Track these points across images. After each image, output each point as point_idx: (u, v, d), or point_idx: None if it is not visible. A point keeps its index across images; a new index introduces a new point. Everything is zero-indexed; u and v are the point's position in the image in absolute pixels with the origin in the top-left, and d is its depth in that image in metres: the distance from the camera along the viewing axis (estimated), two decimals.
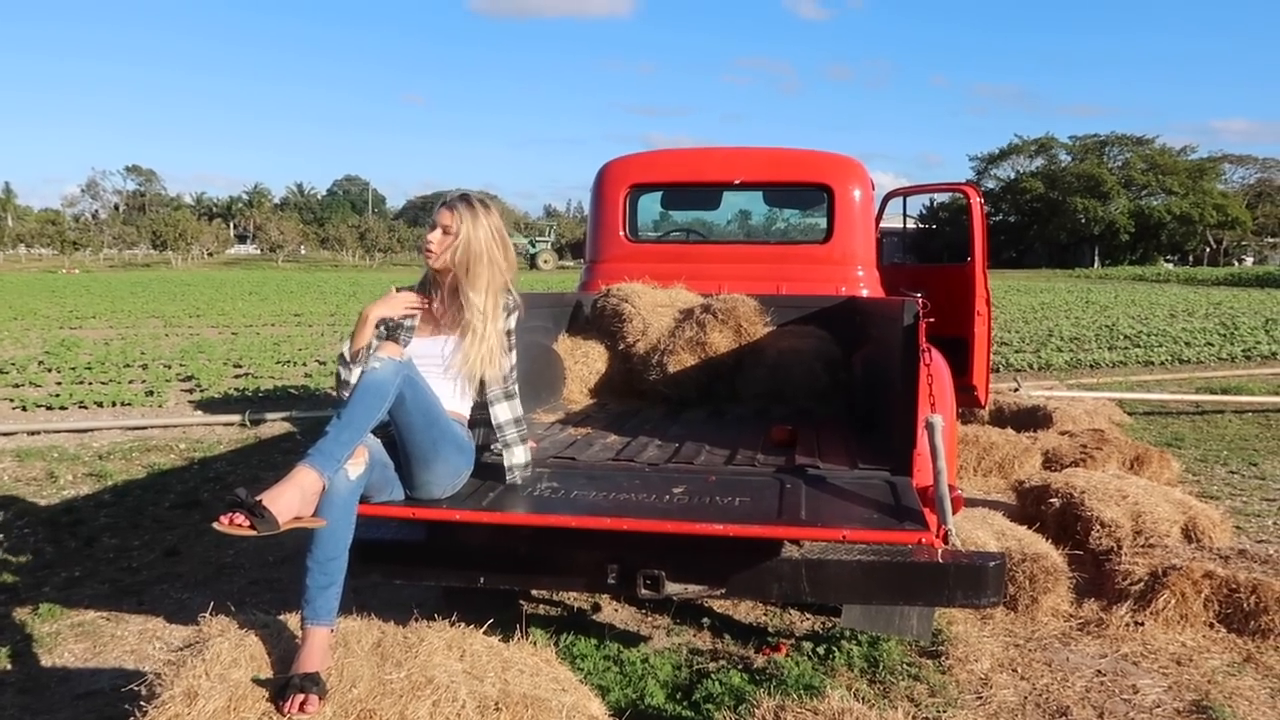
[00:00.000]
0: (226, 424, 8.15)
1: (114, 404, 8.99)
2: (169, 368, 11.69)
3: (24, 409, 8.73)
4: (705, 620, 3.88)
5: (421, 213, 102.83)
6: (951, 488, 2.84)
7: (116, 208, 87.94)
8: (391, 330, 2.93)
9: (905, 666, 3.43)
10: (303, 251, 73.85)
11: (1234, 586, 3.78)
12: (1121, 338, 16.31)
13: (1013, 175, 73.59)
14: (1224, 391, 10.72)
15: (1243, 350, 14.54)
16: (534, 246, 64.29)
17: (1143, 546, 4.33)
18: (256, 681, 2.13)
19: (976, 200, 5.68)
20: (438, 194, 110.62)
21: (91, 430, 7.78)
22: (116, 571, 4.52)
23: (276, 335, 16.05)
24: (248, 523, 2.10)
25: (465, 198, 2.90)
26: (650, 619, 3.94)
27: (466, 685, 2.18)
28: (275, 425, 8.08)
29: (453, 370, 2.85)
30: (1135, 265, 62.20)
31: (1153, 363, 13.29)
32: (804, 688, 3.13)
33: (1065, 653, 3.61)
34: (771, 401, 4.39)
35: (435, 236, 2.82)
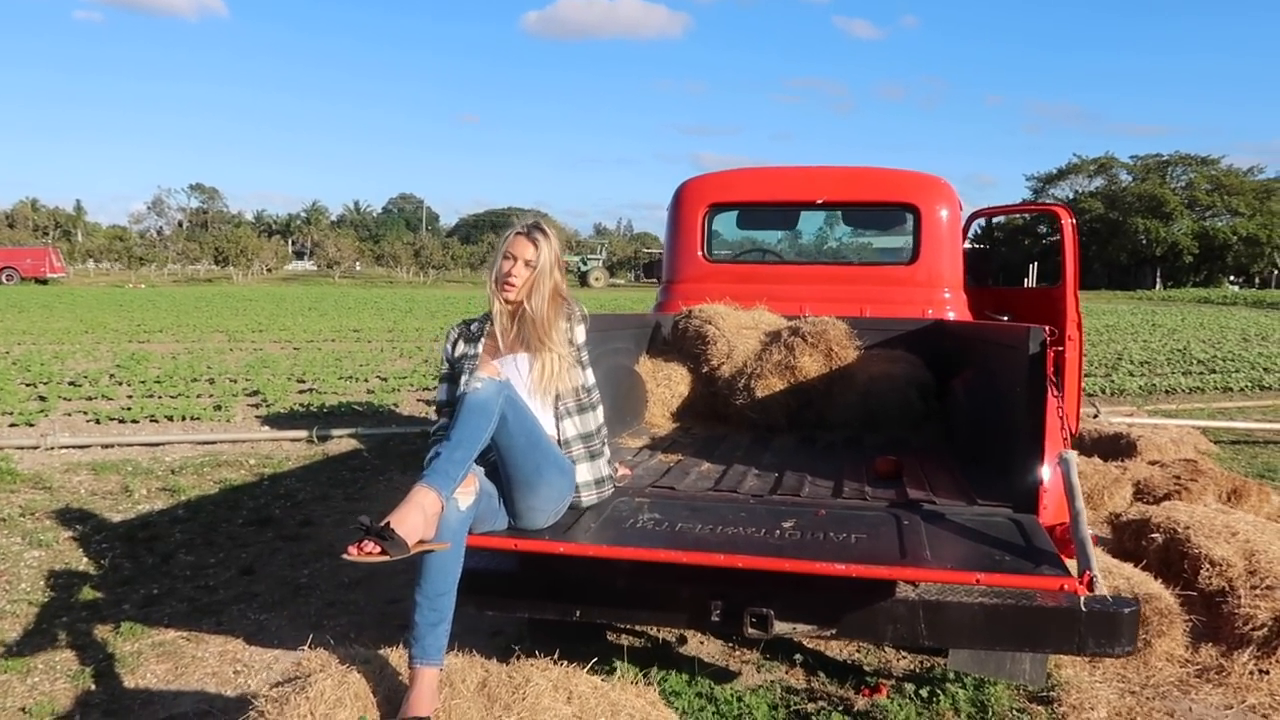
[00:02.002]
0: (294, 440, 8.18)
1: (183, 418, 9.09)
2: (234, 382, 11.82)
3: (97, 421, 8.85)
4: (797, 656, 3.71)
5: (474, 230, 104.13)
6: None
7: (180, 224, 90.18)
8: (455, 364, 2.92)
9: (1015, 713, 3.24)
10: (358, 268, 75.01)
11: None
12: (1195, 362, 15.77)
13: (1071, 195, 72.16)
14: None
15: None
16: (585, 264, 64.55)
17: (1259, 588, 4.08)
18: None
19: (1068, 221, 5.47)
20: (490, 211, 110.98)
21: (163, 444, 7.85)
22: (194, 590, 4.50)
23: (338, 351, 16.20)
24: (378, 549, 2.03)
25: (540, 228, 2.88)
26: (739, 653, 3.79)
27: None
28: (342, 442, 8.09)
29: (534, 388, 2.78)
30: (1199, 287, 60.56)
31: (1231, 389, 12.81)
32: None
33: (1186, 703, 3.39)
34: (863, 429, 4.23)
35: (519, 271, 2.79)
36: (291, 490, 6.43)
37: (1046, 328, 2.67)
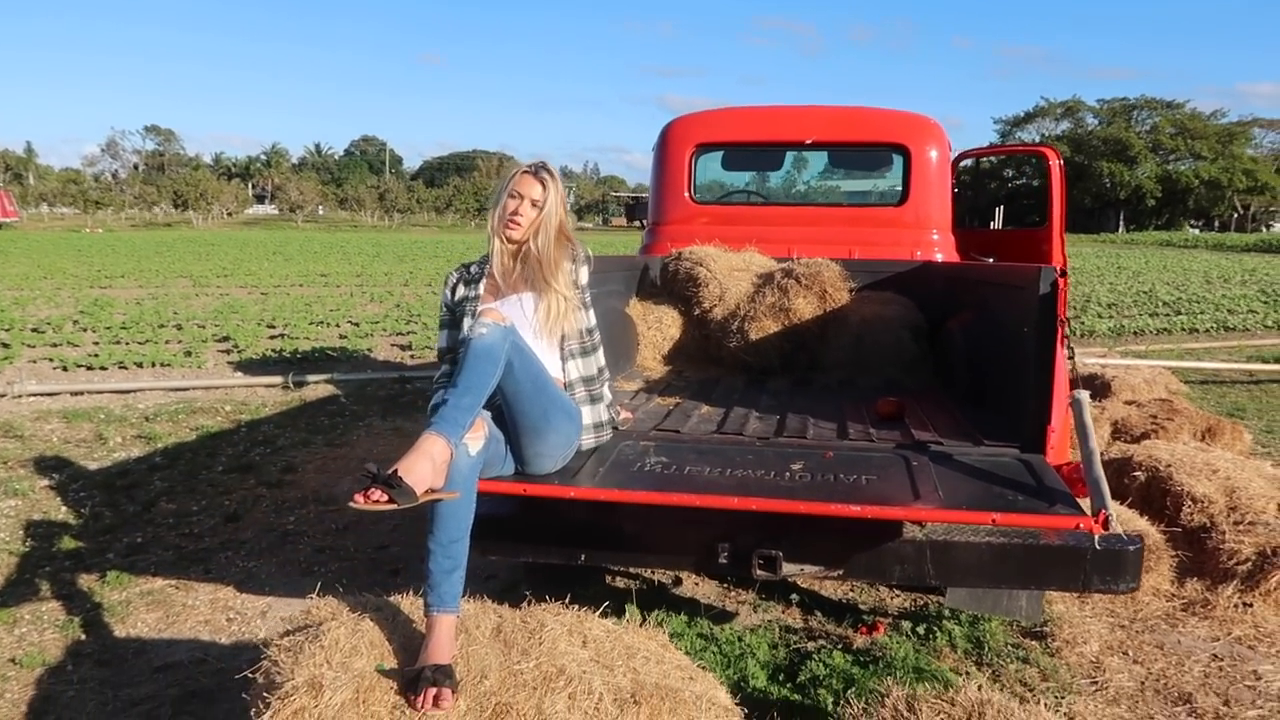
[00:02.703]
0: (268, 385, 8.04)
1: (153, 364, 8.91)
2: (203, 328, 11.59)
3: (64, 369, 8.65)
4: (793, 596, 3.74)
5: (438, 173, 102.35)
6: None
7: (136, 167, 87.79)
8: (455, 308, 2.84)
9: (1011, 648, 3.28)
10: (321, 212, 73.64)
11: None
12: (1161, 304, 16.00)
13: (1038, 138, 72.30)
14: (1278, 361, 10.48)
15: None
16: None
17: (1241, 524, 4.16)
18: (381, 672, 2.00)
19: (1056, 163, 5.44)
20: (454, 154, 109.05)
21: (135, 391, 7.69)
22: (179, 538, 4.43)
23: (306, 296, 15.93)
24: (385, 497, 1.96)
25: (546, 167, 2.80)
26: (734, 594, 3.81)
27: (599, 676, 2.05)
28: (318, 388, 7.97)
29: (539, 329, 2.72)
30: (1161, 230, 61.29)
31: (1198, 330, 13.02)
32: (914, 671, 2.99)
33: (1175, 635, 3.46)
34: (856, 371, 4.22)
35: (525, 210, 2.72)
36: (270, 436, 6.33)
37: (1058, 267, 2.64)
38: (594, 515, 2.77)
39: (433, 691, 1.88)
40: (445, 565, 2.11)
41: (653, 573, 3.99)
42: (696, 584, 3.91)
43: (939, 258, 5.12)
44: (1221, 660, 3.27)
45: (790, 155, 5.95)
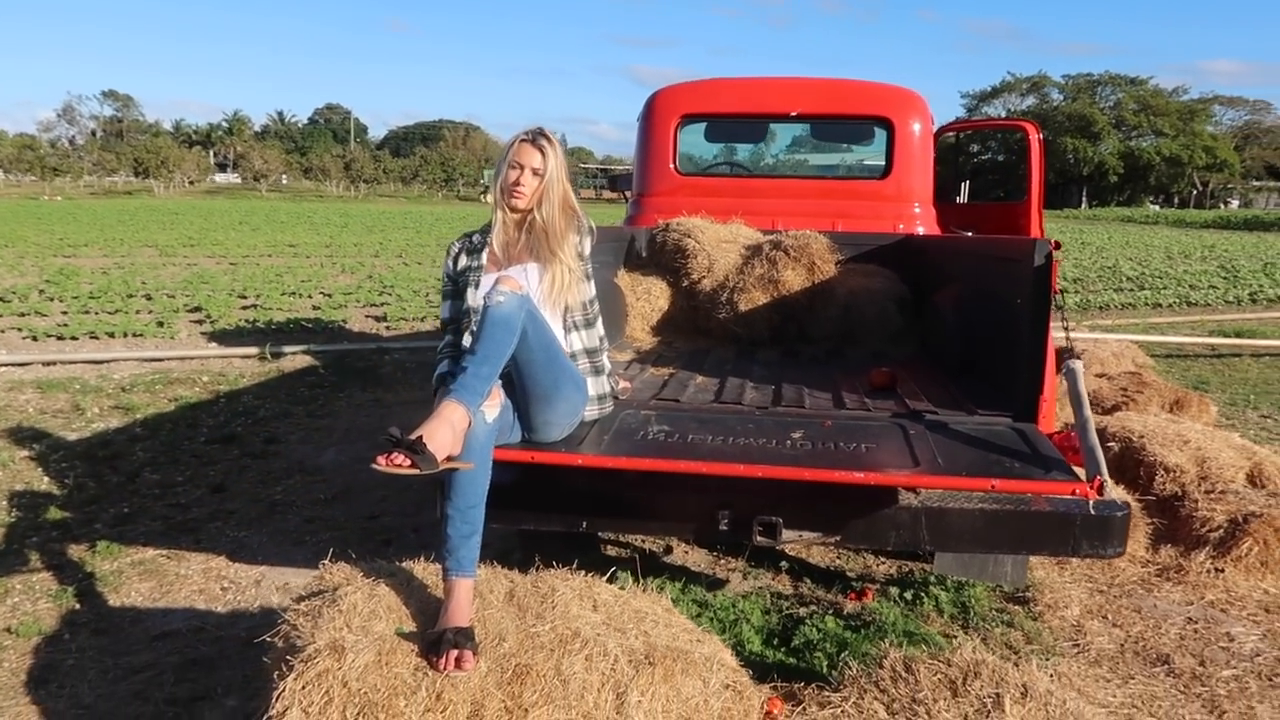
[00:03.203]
0: (244, 356, 7.98)
1: (125, 335, 8.79)
2: (173, 298, 11.43)
3: (35, 339, 8.51)
4: (782, 564, 3.81)
5: (403, 143, 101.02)
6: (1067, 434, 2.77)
7: (94, 134, 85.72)
8: (458, 278, 2.84)
9: (996, 613, 3.38)
10: (284, 181, 72.47)
11: None
12: (1126, 279, 16.27)
13: (1004, 113, 72.78)
14: (1238, 335, 10.74)
15: (1248, 294, 14.56)
16: None
17: (1212, 493, 4.29)
18: (401, 635, 2.03)
19: (1036, 137, 5.52)
20: (420, 124, 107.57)
21: (109, 361, 7.59)
22: (166, 508, 4.41)
23: (277, 266, 15.73)
24: (408, 461, 1.99)
25: (544, 134, 2.77)
26: (724, 562, 3.87)
27: (612, 638, 2.10)
28: (296, 359, 7.92)
29: (543, 299, 2.73)
30: (1123, 207, 62.13)
31: (1160, 305, 13.28)
32: (904, 634, 3.08)
33: (1151, 600, 3.58)
34: (843, 342, 4.28)
35: (527, 179, 2.71)
36: (251, 407, 6.30)
37: (1053, 240, 2.71)
38: (596, 483, 2.81)
39: (455, 653, 1.92)
40: (464, 530, 2.14)
41: (643, 542, 4.05)
42: (686, 553, 3.97)
43: (921, 231, 5.19)
44: (1196, 623, 3.39)
45: (775, 127, 5.97)
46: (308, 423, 5.95)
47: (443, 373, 2.63)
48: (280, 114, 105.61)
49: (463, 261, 2.84)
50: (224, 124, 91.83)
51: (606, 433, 2.72)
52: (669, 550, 3.99)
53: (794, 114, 5.40)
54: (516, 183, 2.69)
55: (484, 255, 2.80)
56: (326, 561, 2.36)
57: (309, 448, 5.41)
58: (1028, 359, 2.77)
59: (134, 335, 8.81)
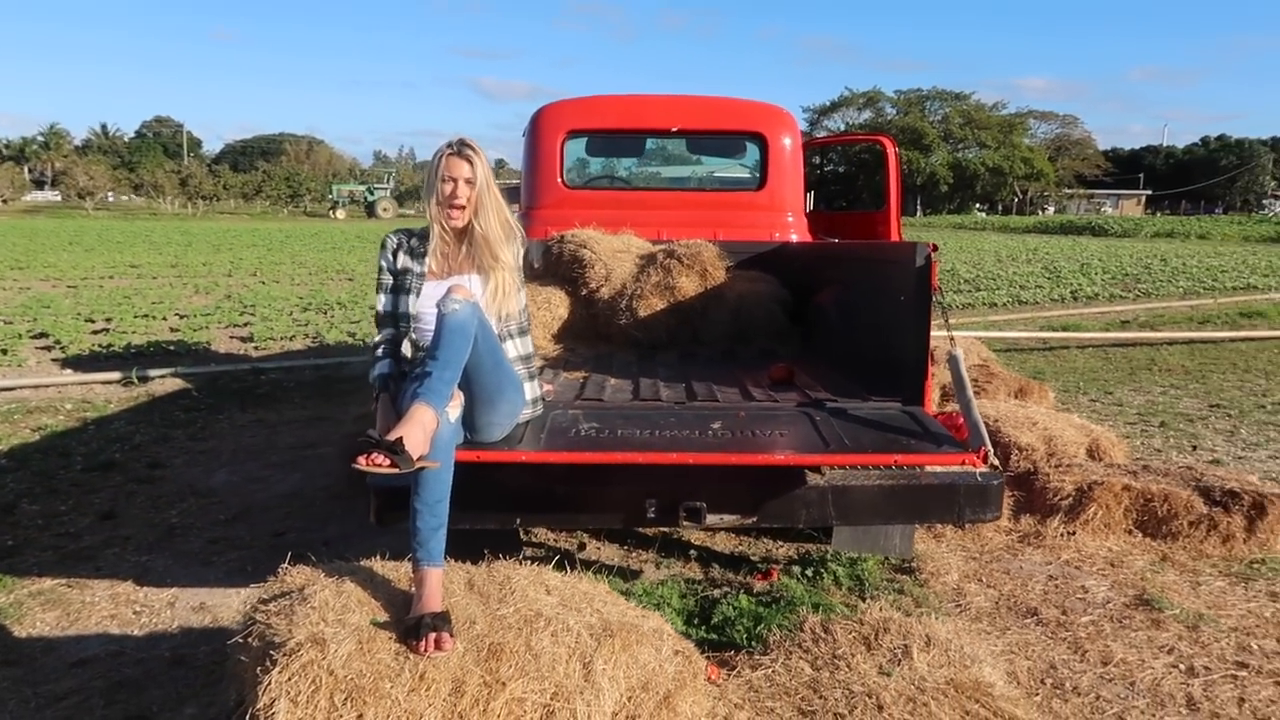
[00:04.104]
0: (106, 382, 7.63)
1: None
2: (11, 324, 10.72)
3: None
4: (691, 552, 4.06)
5: (242, 157, 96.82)
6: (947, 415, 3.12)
7: None
8: (399, 276, 2.87)
9: (887, 582, 3.73)
10: (111, 199, 68.22)
11: (1149, 496, 4.28)
12: (963, 281, 17.48)
13: (843, 127, 76.31)
14: (1065, 329, 11.80)
15: (1070, 292, 15.94)
16: (372, 194, 62.07)
17: (1060, 466, 4.81)
18: (377, 625, 2.14)
19: (892, 150, 6.00)
20: (260, 137, 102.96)
21: None
22: (54, 538, 4.26)
23: (123, 288, 14.93)
24: (388, 461, 2.09)
25: (467, 144, 2.81)
26: (635, 554, 4.08)
27: (571, 616, 2.27)
28: (165, 383, 7.64)
29: (487, 306, 2.82)
30: (954, 214, 66.26)
31: (996, 304, 14.35)
32: (812, 606, 3.36)
33: (1017, 562, 4.02)
34: (734, 343, 4.57)
35: (463, 190, 2.75)
36: (124, 434, 6.07)
37: (931, 244, 3.05)
38: (528, 480, 2.97)
39: (434, 636, 2.05)
40: (432, 523, 2.26)
41: (557, 540, 4.21)
42: (599, 549, 4.16)
43: (794, 238, 5.57)
44: (1056, 579, 3.83)
45: (652, 141, 6.25)
46: (191, 446, 5.80)
47: (384, 374, 2.69)
48: (104, 127, 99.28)
49: (403, 261, 2.85)
50: (39, 138, 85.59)
51: (541, 432, 2.88)
52: (583, 547, 4.17)
53: (674, 130, 5.68)
54: (453, 195, 2.74)
55: (427, 262, 2.84)
56: (285, 565, 2.42)
57: (197, 470, 5.29)
58: (913, 349, 3.10)
59: None
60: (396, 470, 2.10)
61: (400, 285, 2.83)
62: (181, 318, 11.59)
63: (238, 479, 5.15)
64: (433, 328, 2.47)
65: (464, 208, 2.76)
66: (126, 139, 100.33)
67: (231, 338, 10.26)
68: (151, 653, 3.23)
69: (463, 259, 2.84)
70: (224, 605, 3.59)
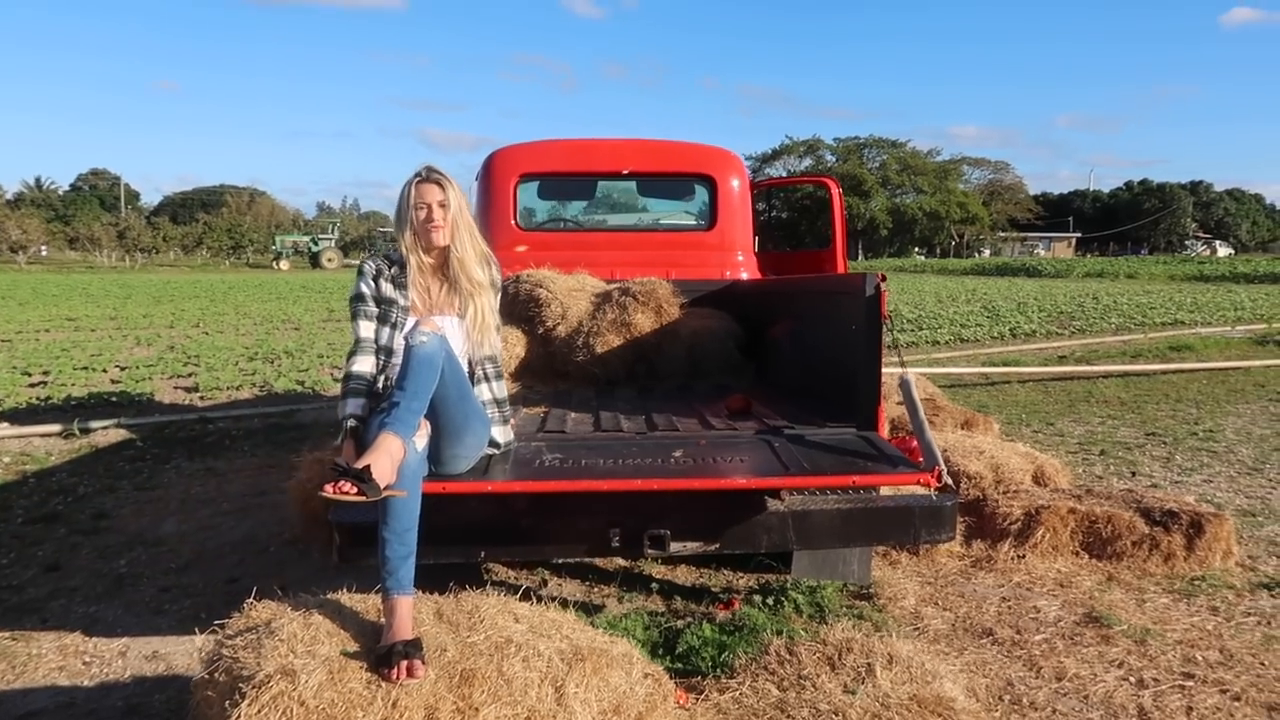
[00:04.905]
0: (45, 435, 7.43)
1: None
2: None
3: None
4: (653, 585, 4.08)
5: (182, 209, 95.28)
6: (903, 438, 3.21)
7: None
8: (380, 303, 2.83)
9: (846, 608, 3.78)
10: (45, 253, 66.61)
11: (1094, 519, 4.42)
12: (906, 321, 17.87)
13: (785, 173, 77.84)
14: (1005, 364, 12.12)
15: (1009, 329, 16.38)
16: (316, 244, 61.47)
17: (1008, 492, 4.94)
18: (347, 655, 2.13)
19: (836, 191, 6.18)
20: (200, 189, 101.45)
21: None
22: None
23: (61, 341, 14.58)
24: (355, 489, 2.09)
25: (435, 170, 2.82)
26: (598, 589, 4.09)
27: (541, 642, 2.28)
28: (108, 434, 7.46)
29: (470, 332, 2.83)
30: (894, 258, 67.80)
31: (939, 342, 14.70)
32: (775, 632, 3.40)
33: (971, 586, 4.11)
34: (689, 378, 4.64)
35: (437, 213, 2.75)
36: (67, 485, 5.92)
37: (880, 274, 3.16)
38: (492, 513, 2.98)
39: (406, 663, 2.05)
40: (401, 552, 2.27)
41: (518, 577, 4.20)
42: (560, 584, 4.16)
43: (745, 276, 5.69)
44: (1009, 601, 3.93)
45: (603, 184, 6.36)
46: (137, 496, 5.68)
47: (355, 415, 2.67)
48: (38, 180, 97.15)
49: (385, 289, 2.82)
50: None
51: (506, 463, 2.90)
52: (544, 584, 4.16)
53: (625, 172, 5.80)
54: (429, 219, 2.73)
55: (408, 297, 2.82)
56: (251, 599, 2.40)
57: (145, 520, 5.18)
58: (865, 376, 3.20)
59: None
60: (364, 498, 2.11)
61: (384, 316, 2.79)
62: (122, 369, 11.34)
63: (188, 527, 5.05)
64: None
65: (442, 227, 2.75)
66: (61, 192, 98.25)
67: (176, 388, 10.07)
68: (103, 703, 3.15)
69: (443, 298, 2.83)
70: (178, 652, 3.52)
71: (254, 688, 1.96)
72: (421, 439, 2.40)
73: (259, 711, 1.91)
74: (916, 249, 75.52)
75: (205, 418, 7.93)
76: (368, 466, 2.14)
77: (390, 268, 2.87)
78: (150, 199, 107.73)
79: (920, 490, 3.99)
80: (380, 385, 2.71)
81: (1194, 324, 17.45)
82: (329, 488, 2.09)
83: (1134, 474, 6.09)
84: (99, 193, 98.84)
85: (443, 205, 2.76)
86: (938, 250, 76.83)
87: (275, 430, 7.69)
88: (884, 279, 3.14)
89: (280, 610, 2.33)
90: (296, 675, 1.99)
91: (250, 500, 5.57)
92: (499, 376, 2.98)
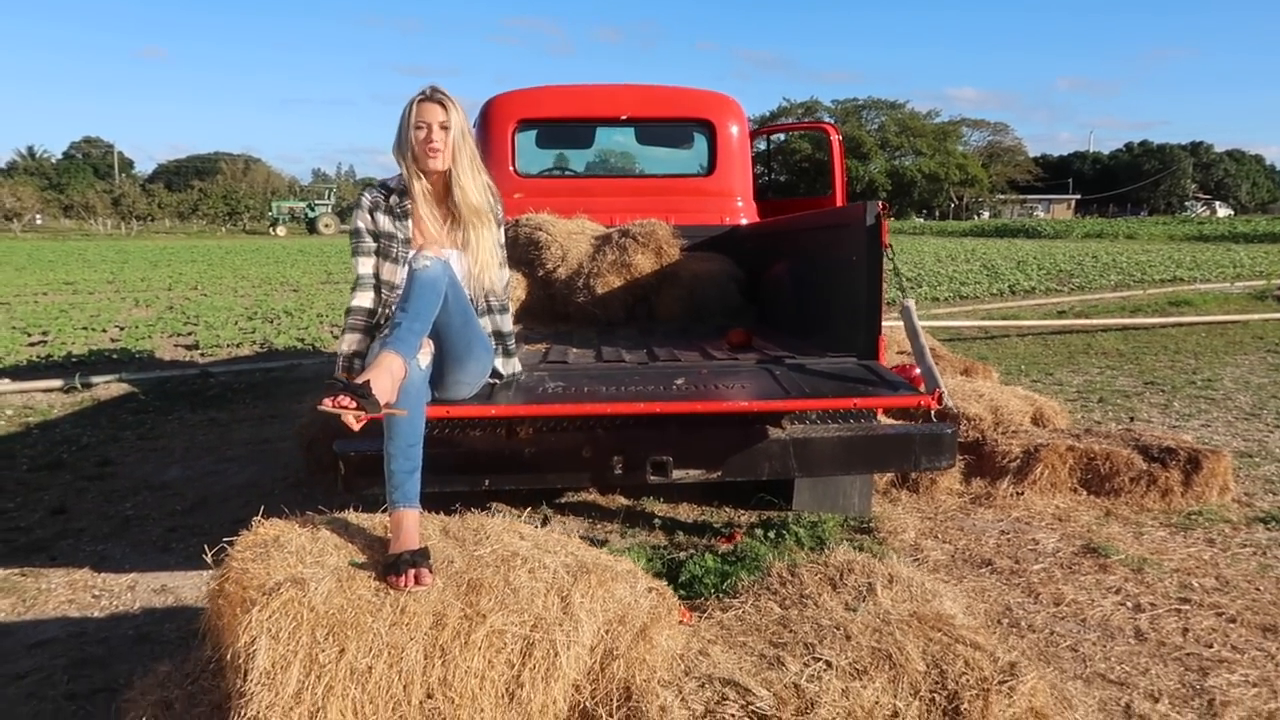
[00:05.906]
0: (48, 389, 7.45)
1: None
2: None
3: None
4: (655, 521, 4.12)
5: (176, 177, 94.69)
6: (904, 367, 3.23)
7: None
8: (378, 239, 2.77)
9: (847, 541, 3.81)
10: (39, 220, 66.28)
11: (1092, 456, 4.45)
12: (907, 280, 17.84)
13: (783, 137, 77.22)
14: (1004, 319, 12.12)
15: (1008, 286, 16.38)
16: (313, 210, 61.16)
17: (1007, 433, 4.97)
18: (355, 565, 2.16)
19: (836, 138, 6.15)
20: (194, 157, 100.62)
21: None
22: (3, 533, 4.17)
23: (59, 303, 14.57)
24: (354, 404, 2.09)
25: (439, 89, 2.70)
26: (600, 525, 4.13)
27: (547, 556, 2.31)
28: (110, 388, 7.48)
29: (471, 266, 2.78)
30: (893, 220, 67.52)
31: (939, 299, 14.70)
32: (778, 559, 3.44)
33: (970, 521, 4.15)
34: (690, 320, 4.65)
35: (437, 134, 2.64)
36: (71, 436, 5.95)
37: (880, 202, 3.16)
38: (495, 442, 3.00)
39: (414, 571, 2.07)
40: (406, 467, 2.28)
41: (521, 514, 4.24)
42: (563, 521, 4.20)
43: (744, 222, 5.68)
44: (1008, 534, 3.97)
45: (602, 130, 6.32)
46: (141, 445, 5.70)
47: (354, 352, 2.66)
48: (30, 149, 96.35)
49: (383, 222, 2.76)
50: None
51: (508, 390, 2.92)
52: (546, 521, 4.19)
53: (624, 118, 5.76)
54: (428, 139, 2.63)
55: (408, 227, 2.76)
56: (259, 518, 2.42)
57: (150, 467, 5.21)
58: (866, 305, 3.21)
59: None
60: (363, 413, 2.11)
61: (383, 250, 2.75)
62: (122, 329, 11.34)
63: (193, 473, 5.08)
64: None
65: (441, 150, 2.65)
66: (54, 160, 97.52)
67: (176, 346, 10.08)
68: (115, 632, 3.19)
69: (445, 230, 2.78)
70: (187, 585, 3.56)
71: (264, 594, 1.99)
72: (425, 356, 2.40)
73: (270, 617, 1.94)
74: (916, 211, 75.20)
75: (207, 372, 7.96)
76: (367, 382, 2.14)
77: (389, 197, 2.80)
78: (144, 167, 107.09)
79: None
80: (382, 319, 2.71)
81: (1193, 280, 17.43)
82: (327, 401, 2.08)
83: (1132, 419, 6.11)
84: (92, 161, 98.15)
85: (444, 127, 2.66)
86: (936, 213, 76.50)
87: (276, 384, 7.72)
88: (885, 208, 3.14)
89: (288, 527, 2.35)
90: (306, 583, 2.02)
91: (254, 448, 5.60)
92: (504, 310, 2.97)
